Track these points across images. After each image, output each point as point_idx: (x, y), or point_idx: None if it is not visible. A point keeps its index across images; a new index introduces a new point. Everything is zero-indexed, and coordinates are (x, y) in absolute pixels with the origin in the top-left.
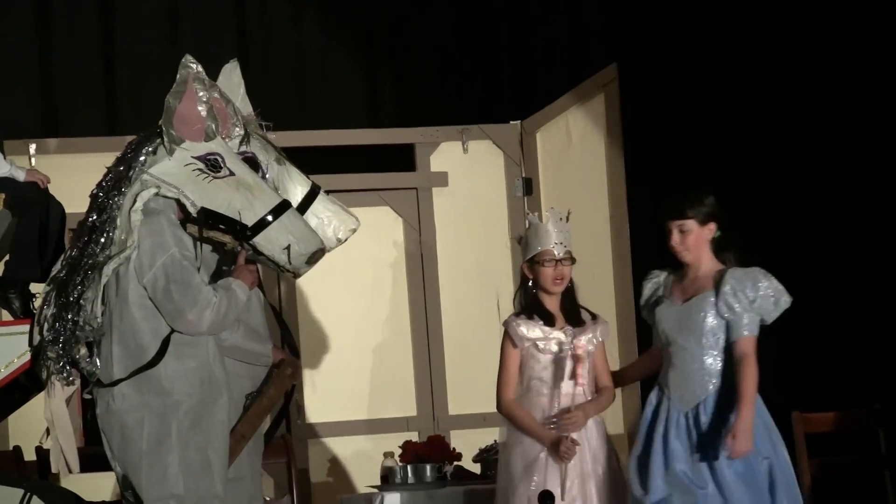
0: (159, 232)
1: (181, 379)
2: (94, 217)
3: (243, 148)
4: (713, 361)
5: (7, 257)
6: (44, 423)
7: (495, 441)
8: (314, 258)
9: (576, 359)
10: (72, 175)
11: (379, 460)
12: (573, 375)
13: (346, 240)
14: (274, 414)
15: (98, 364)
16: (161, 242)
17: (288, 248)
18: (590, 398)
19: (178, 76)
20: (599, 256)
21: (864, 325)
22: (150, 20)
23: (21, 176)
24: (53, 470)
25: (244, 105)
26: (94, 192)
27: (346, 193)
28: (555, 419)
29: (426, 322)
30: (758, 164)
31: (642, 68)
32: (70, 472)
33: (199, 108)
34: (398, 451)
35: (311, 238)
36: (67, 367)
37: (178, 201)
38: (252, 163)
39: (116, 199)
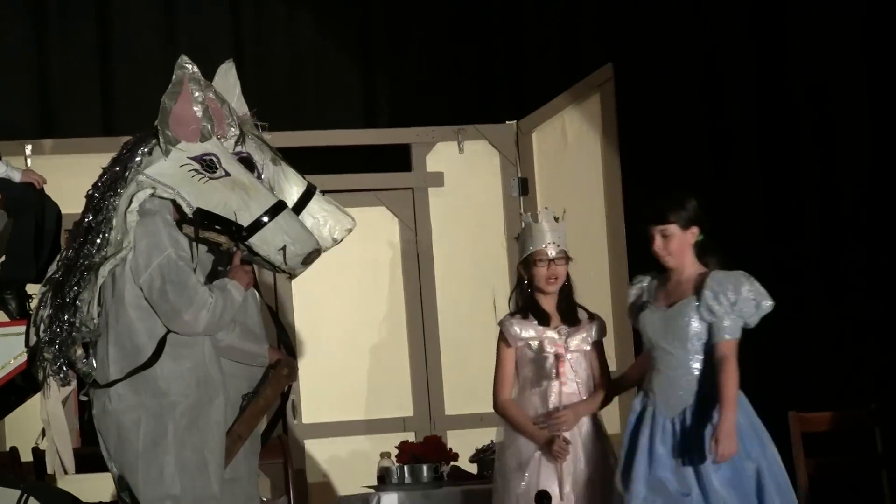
0: (155, 233)
1: (177, 380)
2: (90, 218)
3: (239, 148)
4: (699, 366)
5: (3, 258)
6: (40, 424)
7: (492, 441)
8: (310, 259)
9: (557, 358)
10: (68, 176)
11: (375, 460)
12: (557, 374)
13: (341, 240)
14: (270, 414)
15: (94, 365)
16: (157, 243)
17: (284, 248)
18: (585, 397)
19: (173, 77)
20: (595, 256)
21: (861, 324)
22: (146, 21)
23: (17, 177)
24: (49, 471)
25: (240, 105)
26: (90, 192)
27: (342, 194)
28: (545, 418)
29: (422, 322)
30: (754, 164)
31: (638, 68)
32: (65, 472)
33: (195, 109)
34: (395, 452)
35: (307, 238)
36: (64, 368)
37: (173, 202)
38: (247, 163)
39: (112, 199)
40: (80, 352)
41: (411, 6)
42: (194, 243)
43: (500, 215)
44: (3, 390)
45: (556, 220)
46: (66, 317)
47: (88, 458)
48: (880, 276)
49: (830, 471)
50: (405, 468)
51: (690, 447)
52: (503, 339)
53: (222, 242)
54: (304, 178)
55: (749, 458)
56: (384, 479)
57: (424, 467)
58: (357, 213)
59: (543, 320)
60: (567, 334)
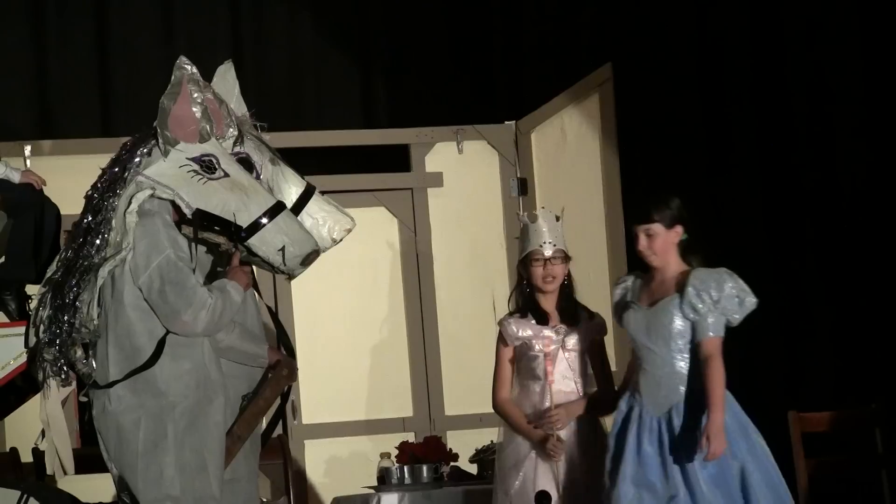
0: (154, 233)
1: (177, 380)
2: (90, 218)
3: (237, 149)
4: (684, 365)
5: (2, 259)
6: (40, 424)
7: (492, 441)
8: (309, 259)
9: (545, 357)
10: (67, 176)
11: (375, 461)
12: (545, 374)
13: (341, 240)
14: (270, 415)
15: (94, 366)
16: (156, 244)
17: (282, 249)
18: (582, 396)
19: (172, 77)
20: (595, 256)
21: (861, 324)
22: (145, 22)
23: (16, 177)
24: (49, 472)
25: (239, 106)
26: (89, 193)
27: (341, 194)
28: (540, 417)
29: (422, 322)
30: (753, 164)
31: (637, 68)
32: (65, 473)
33: (194, 110)
34: (395, 452)
35: (306, 239)
36: (64, 369)
37: (172, 203)
38: (246, 163)
39: (111, 200)
40: (79, 353)
41: (411, 7)
42: (193, 244)
43: (500, 215)
44: (3, 391)
45: (557, 219)
46: (65, 318)
47: (88, 459)
48: (880, 275)
49: (830, 471)
50: (405, 468)
51: (678, 446)
52: (501, 339)
53: (221, 243)
54: (304, 178)
55: (734, 458)
56: (384, 480)
57: (424, 468)
58: (356, 214)
59: (542, 319)
60: (566, 333)
